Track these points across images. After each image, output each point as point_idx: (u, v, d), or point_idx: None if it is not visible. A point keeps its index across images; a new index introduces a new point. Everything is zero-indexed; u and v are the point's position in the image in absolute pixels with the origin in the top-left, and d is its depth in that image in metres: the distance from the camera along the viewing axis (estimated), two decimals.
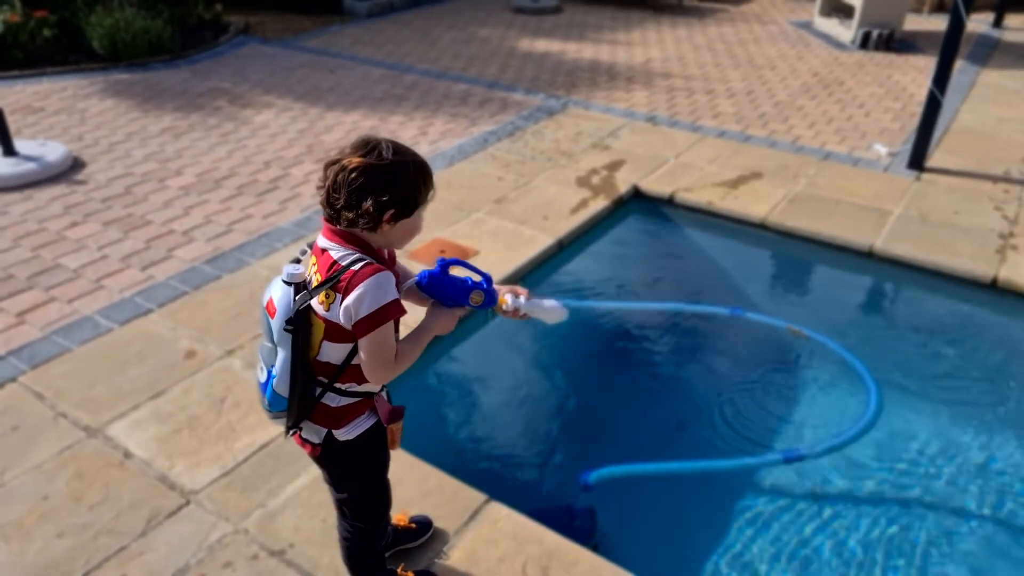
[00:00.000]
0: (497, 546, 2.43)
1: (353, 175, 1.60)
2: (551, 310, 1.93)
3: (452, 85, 7.10)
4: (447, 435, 3.19)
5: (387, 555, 2.31)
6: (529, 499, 2.75)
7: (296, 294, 1.69)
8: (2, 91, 6.67)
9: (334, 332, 1.71)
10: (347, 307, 1.65)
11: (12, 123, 5.61)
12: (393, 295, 1.66)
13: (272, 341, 1.74)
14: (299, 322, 1.69)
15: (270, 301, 1.73)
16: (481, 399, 3.41)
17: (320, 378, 1.79)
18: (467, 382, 3.51)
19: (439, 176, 5.02)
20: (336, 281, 1.65)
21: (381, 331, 1.66)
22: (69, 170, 5.18)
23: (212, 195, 4.87)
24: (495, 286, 1.89)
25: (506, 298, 1.90)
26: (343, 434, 1.85)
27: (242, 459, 2.77)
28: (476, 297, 1.85)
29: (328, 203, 1.65)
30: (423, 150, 5.52)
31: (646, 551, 2.67)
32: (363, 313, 1.64)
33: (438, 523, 2.49)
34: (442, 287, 1.83)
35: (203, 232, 4.41)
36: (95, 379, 3.18)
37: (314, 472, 2.70)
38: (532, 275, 4.12)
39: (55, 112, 6.22)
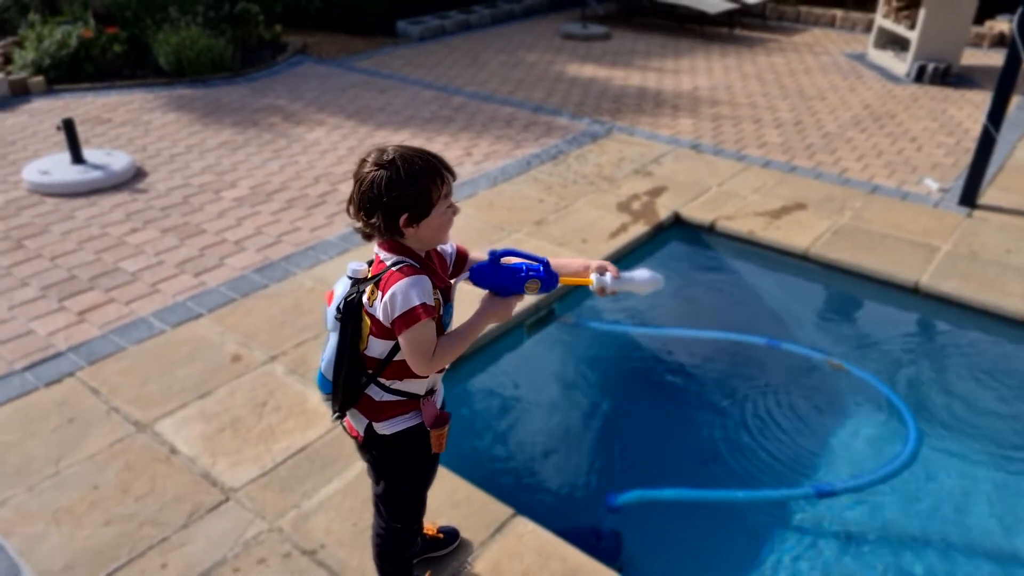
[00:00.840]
0: (521, 560, 2.47)
1: (363, 189, 1.71)
2: (643, 283, 1.91)
3: (499, 108, 7.24)
4: (478, 449, 3.24)
5: (414, 562, 2.37)
6: (555, 517, 2.78)
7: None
8: (74, 102, 7.03)
9: (378, 328, 1.81)
10: (384, 305, 1.75)
11: (81, 133, 5.90)
12: (422, 299, 1.73)
13: (327, 328, 1.87)
14: (347, 313, 1.80)
15: (330, 293, 1.87)
16: (513, 416, 3.46)
17: (368, 370, 1.89)
18: (500, 399, 3.57)
19: (481, 196, 5.12)
20: (378, 280, 1.77)
21: (415, 329, 1.74)
22: (132, 179, 5.43)
23: (263, 207, 5.05)
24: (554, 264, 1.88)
25: (592, 278, 1.91)
26: (382, 428, 1.94)
27: (280, 461, 2.87)
28: (532, 286, 1.85)
29: (351, 216, 1.78)
30: (467, 170, 5.64)
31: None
32: (396, 313, 1.73)
33: (464, 534, 2.55)
34: (494, 278, 1.86)
35: (253, 242, 4.58)
36: (147, 377, 3.33)
37: (347, 477, 2.79)
38: (569, 297, 4.17)
39: (122, 123, 6.53)
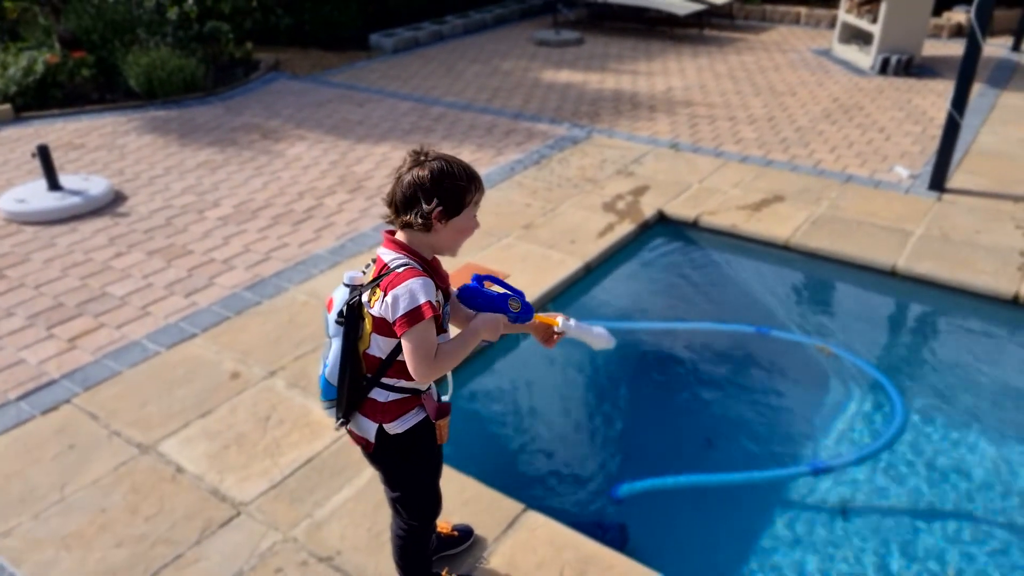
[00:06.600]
0: (535, 552, 2.51)
1: (406, 181, 1.81)
2: (599, 336, 2.09)
3: (478, 116, 7.29)
4: (482, 448, 3.28)
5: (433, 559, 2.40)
6: (561, 510, 2.83)
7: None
8: (44, 129, 6.96)
9: (381, 326, 1.87)
10: (387, 304, 1.80)
11: (55, 159, 5.83)
12: (427, 297, 1.80)
13: (328, 335, 1.94)
14: (349, 316, 1.88)
15: (330, 300, 1.94)
16: (513, 415, 3.51)
17: (368, 374, 1.95)
18: (500, 399, 3.61)
19: None
20: (380, 280, 1.83)
21: (418, 329, 1.80)
22: (112, 203, 5.40)
23: (249, 225, 5.05)
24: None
25: (558, 320, 2.06)
26: (393, 427, 1.98)
27: (288, 473, 2.89)
28: (514, 304, 1.99)
29: (392, 209, 1.86)
30: None
31: (677, 562, 2.73)
32: (400, 311, 1.79)
33: (478, 531, 2.59)
34: (481, 296, 1.99)
35: (242, 260, 4.57)
36: (145, 399, 3.33)
37: (358, 484, 2.82)
38: (561, 297, 4.23)
39: (96, 148, 6.48)
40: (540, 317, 2.07)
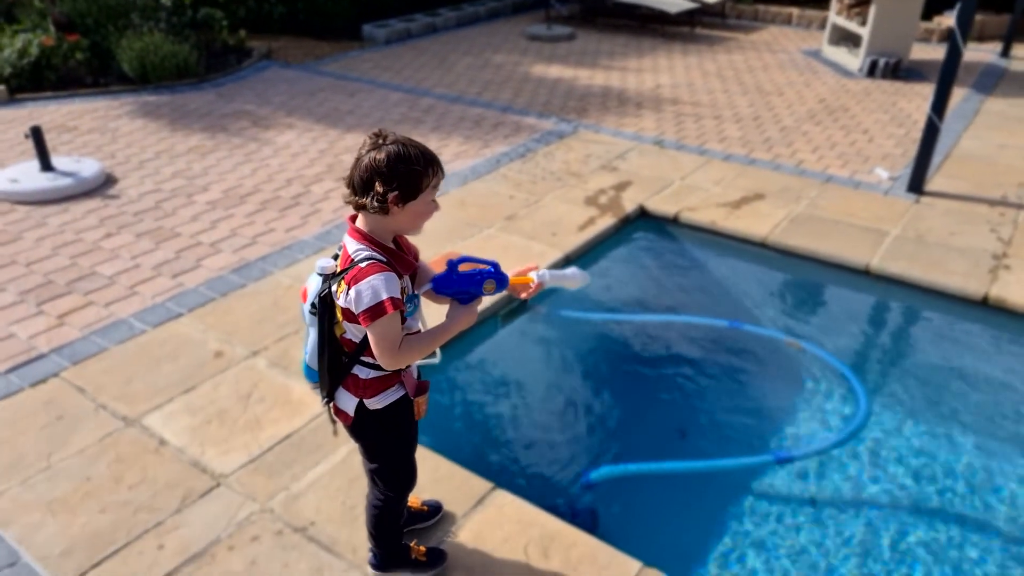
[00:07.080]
0: (501, 528, 2.62)
1: (364, 164, 1.83)
2: (573, 277, 2.12)
3: (467, 109, 7.38)
4: (457, 431, 3.38)
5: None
6: (532, 494, 2.93)
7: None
8: (37, 111, 7.01)
9: (349, 315, 1.93)
10: (351, 299, 1.86)
11: (48, 140, 5.88)
12: (389, 293, 1.84)
13: (306, 323, 2.03)
14: (322, 306, 1.94)
15: (304, 290, 2.02)
16: (490, 401, 3.61)
17: (348, 351, 2.04)
18: (478, 385, 3.71)
19: (453, 195, 5.26)
20: (345, 274, 1.88)
21: (381, 323, 1.86)
22: (103, 185, 5.47)
23: (237, 210, 5.13)
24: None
25: (532, 276, 2.09)
26: (373, 403, 2.08)
27: (267, 447, 2.99)
28: (489, 286, 2.02)
29: (351, 191, 1.87)
30: None
31: (645, 544, 2.83)
32: (363, 306, 1.85)
33: (448, 507, 2.69)
34: (457, 285, 2.02)
35: (229, 244, 4.66)
36: (131, 375, 3.42)
37: (334, 460, 2.92)
38: None
39: (88, 131, 6.54)
40: (515, 279, 2.10)
